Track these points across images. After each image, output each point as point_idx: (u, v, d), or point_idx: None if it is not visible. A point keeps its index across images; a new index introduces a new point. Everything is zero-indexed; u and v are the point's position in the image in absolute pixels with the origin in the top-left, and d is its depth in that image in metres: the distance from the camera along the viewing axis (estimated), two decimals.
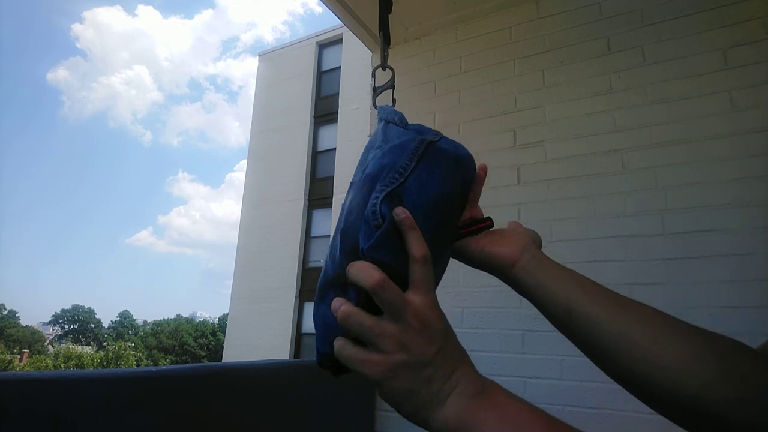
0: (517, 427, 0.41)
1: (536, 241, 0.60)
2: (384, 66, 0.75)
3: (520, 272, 0.56)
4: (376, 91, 0.74)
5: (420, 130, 0.57)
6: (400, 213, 0.45)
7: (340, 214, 0.52)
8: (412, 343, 0.42)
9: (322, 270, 0.54)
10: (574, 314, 0.50)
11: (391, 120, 0.60)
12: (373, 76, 0.79)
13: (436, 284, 0.51)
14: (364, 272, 0.43)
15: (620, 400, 1.43)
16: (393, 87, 0.75)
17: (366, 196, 0.49)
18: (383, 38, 0.83)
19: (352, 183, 0.55)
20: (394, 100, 0.70)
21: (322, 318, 0.50)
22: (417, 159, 0.51)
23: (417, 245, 0.44)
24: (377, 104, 0.67)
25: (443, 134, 0.57)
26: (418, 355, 0.42)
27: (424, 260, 0.44)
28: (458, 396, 0.42)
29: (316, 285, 0.54)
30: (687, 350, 0.45)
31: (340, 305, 0.44)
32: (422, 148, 0.52)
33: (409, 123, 0.60)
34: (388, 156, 0.52)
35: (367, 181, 0.50)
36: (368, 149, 0.59)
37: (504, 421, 0.41)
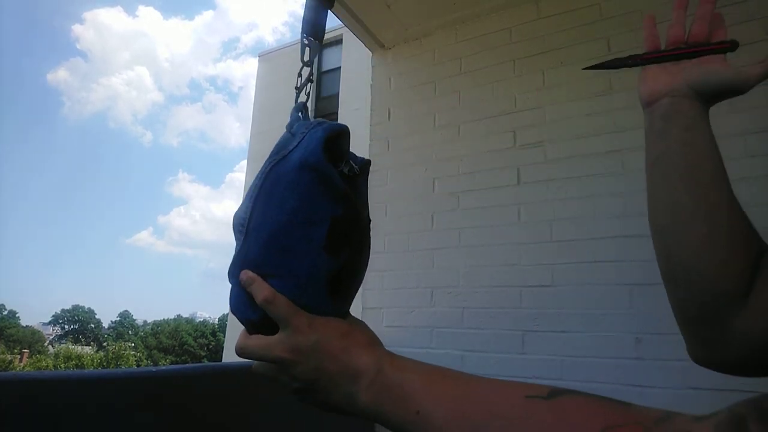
0: (426, 377, 0.43)
1: (715, 88, 0.55)
2: (310, 63, 0.63)
3: (656, 114, 0.58)
4: (298, 91, 0.63)
5: (283, 142, 0.52)
6: (242, 277, 0.47)
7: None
8: (295, 369, 0.46)
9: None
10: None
11: (287, 128, 0.55)
12: (299, 75, 0.67)
13: (358, 272, 0.52)
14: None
15: (620, 399, 1.42)
16: (311, 81, 0.66)
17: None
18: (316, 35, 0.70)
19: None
20: (307, 96, 0.64)
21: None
22: (253, 202, 0.49)
23: (258, 292, 0.46)
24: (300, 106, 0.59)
25: (326, 122, 0.52)
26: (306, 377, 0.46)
27: (265, 303, 0.45)
28: (362, 391, 0.44)
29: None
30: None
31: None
32: (260, 184, 0.50)
33: (302, 121, 0.55)
34: (243, 202, 0.51)
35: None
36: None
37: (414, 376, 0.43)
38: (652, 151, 0.55)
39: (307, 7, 0.68)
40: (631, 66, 0.62)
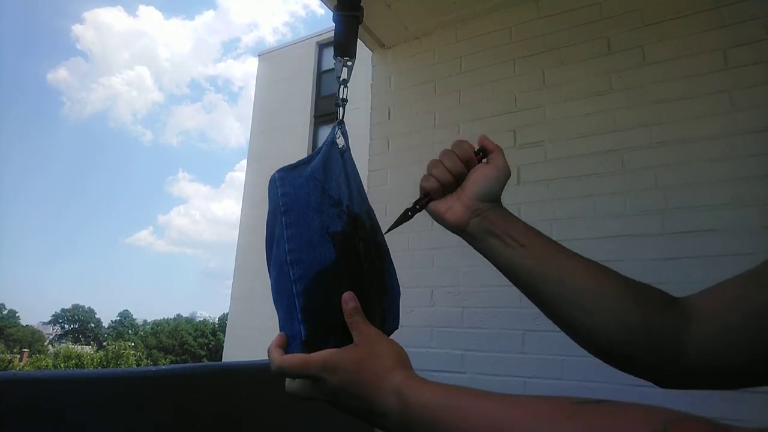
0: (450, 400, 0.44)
1: (491, 193, 0.62)
2: (346, 81, 0.72)
3: (468, 238, 0.63)
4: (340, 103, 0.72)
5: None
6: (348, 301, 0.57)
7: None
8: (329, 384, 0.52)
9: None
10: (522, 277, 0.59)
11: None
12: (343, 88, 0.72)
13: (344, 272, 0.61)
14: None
15: (620, 400, 1.42)
16: (346, 100, 0.72)
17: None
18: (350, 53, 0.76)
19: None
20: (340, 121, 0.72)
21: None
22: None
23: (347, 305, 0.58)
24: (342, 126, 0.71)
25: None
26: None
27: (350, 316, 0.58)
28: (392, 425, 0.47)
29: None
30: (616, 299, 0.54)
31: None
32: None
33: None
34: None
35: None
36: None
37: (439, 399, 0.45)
38: (496, 263, 0.61)
39: (337, 30, 0.72)
40: (412, 217, 0.68)
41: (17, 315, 51.13)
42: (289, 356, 0.54)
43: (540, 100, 1.84)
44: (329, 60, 15.40)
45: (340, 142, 0.66)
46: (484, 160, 0.64)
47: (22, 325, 48.45)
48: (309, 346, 0.55)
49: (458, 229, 0.62)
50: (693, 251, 1.43)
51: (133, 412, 0.98)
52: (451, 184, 0.63)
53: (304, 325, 0.57)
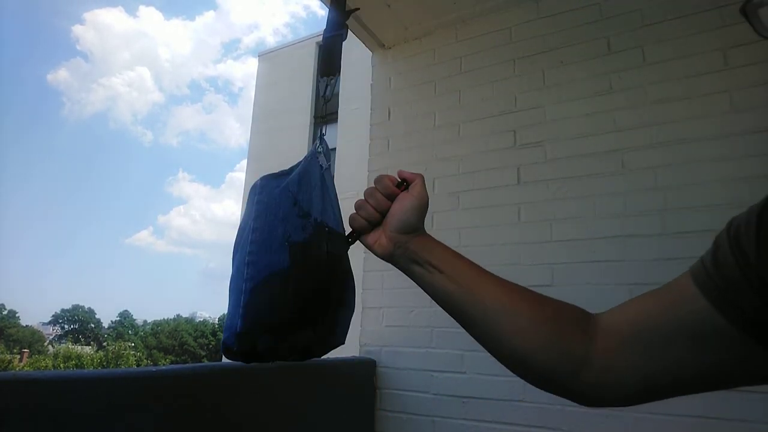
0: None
1: (409, 225, 0.66)
2: (328, 98, 0.84)
3: (396, 266, 0.67)
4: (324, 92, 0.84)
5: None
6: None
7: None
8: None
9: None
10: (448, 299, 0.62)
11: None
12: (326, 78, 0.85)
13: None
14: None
15: None
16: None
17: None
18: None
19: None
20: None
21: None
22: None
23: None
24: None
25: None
26: None
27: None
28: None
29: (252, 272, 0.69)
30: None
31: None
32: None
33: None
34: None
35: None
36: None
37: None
38: (422, 287, 0.65)
39: (323, 47, 0.79)
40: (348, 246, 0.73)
41: (17, 315, 51.11)
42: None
43: (540, 100, 1.84)
44: None
45: (322, 160, 0.73)
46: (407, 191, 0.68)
47: (22, 326, 48.43)
48: (241, 339, 0.63)
49: (386, 258, 0.67)
50: (693, 251, 1.42)
51: (133, 412, 0.97)
52: (377, 219, 0.68)
53: (242, 320, 0.64)
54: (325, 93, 0.80)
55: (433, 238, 0.66)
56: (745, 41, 1.50)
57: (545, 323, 0.54)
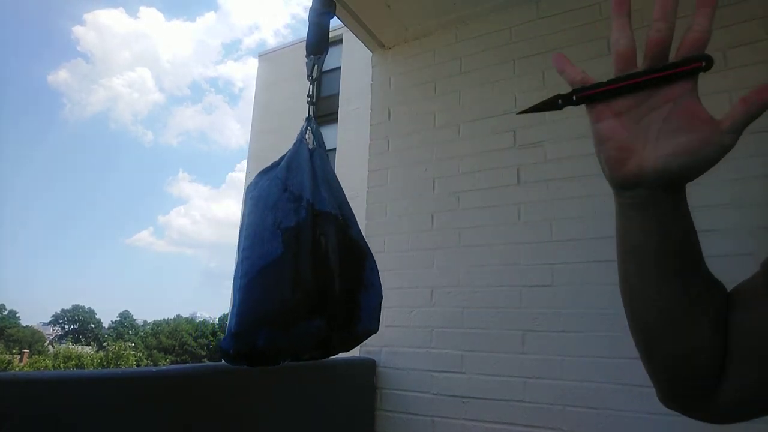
0: None
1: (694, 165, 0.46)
2: (314, 78, 0.78)
3: (644, 186, 0.47)
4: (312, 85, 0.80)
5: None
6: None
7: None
8: None
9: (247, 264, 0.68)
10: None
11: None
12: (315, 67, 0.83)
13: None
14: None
15: (620, 400, 1.42)
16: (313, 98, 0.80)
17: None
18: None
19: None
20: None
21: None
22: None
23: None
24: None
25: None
26: None
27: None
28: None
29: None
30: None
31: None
32: None
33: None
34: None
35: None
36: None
37: None
38: (628, 240, 0.48)
39: (310, 25, 0.76)
40: (563, 107, 0.49)
41: (17, 315, 51.13)
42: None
43: (540, 100, 1.83)
44: (329, 60, 15.38)
45: (310, 140, 0.72)
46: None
47: (22, 326, 48.42)
48: (237, 340, 0.61)
49: (624, 184, 0.47)
50: None
51: (133, 412, 0.98)
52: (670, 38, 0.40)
53: (236, 318, 0.63)
54: (312, 72, 0.78)
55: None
56: (745, 41, 1.50)
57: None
